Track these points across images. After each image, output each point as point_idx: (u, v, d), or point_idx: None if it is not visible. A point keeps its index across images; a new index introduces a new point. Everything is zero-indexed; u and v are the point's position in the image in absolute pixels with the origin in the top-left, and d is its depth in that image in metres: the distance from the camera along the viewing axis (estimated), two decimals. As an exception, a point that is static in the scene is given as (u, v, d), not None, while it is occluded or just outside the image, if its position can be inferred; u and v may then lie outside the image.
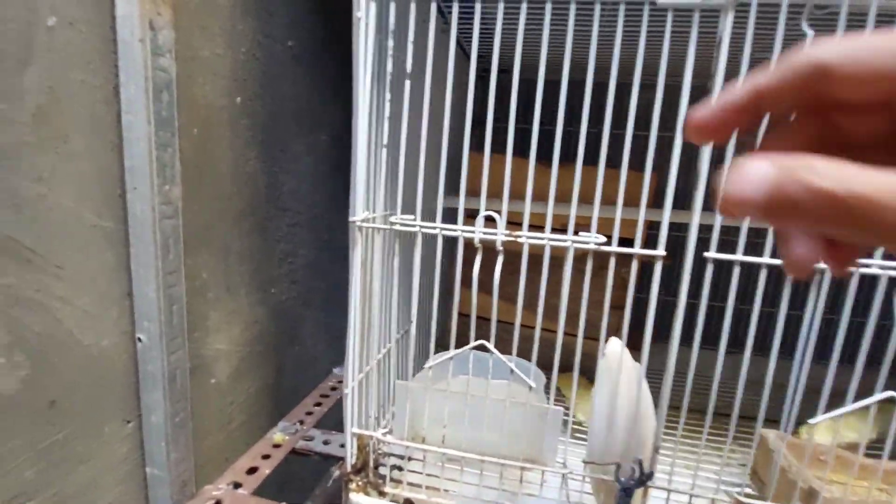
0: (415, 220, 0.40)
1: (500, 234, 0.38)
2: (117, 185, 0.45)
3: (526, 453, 0.42)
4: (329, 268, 0.90)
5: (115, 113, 0.44)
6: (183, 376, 0.50)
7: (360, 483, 0.46)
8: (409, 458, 0.48)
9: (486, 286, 0.49)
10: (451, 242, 0.46)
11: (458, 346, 0.51)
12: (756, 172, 0.16)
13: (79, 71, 0.40)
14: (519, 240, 0.37)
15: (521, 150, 0.44)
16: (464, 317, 0.48)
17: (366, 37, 0.39)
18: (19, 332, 0.38)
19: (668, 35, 0.40)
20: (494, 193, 0.41)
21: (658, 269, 0.38)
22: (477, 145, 0.44)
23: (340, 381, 0.79)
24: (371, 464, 0.46)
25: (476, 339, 0.46)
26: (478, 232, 0.39)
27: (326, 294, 0.89)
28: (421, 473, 0.46)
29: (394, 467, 0.46)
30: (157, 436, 0.48)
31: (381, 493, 0.46)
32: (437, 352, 0.46)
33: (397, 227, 0.41)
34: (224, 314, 0.61)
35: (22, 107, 0.37)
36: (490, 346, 0.40)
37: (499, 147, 0.45)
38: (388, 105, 0.41)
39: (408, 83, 0.40)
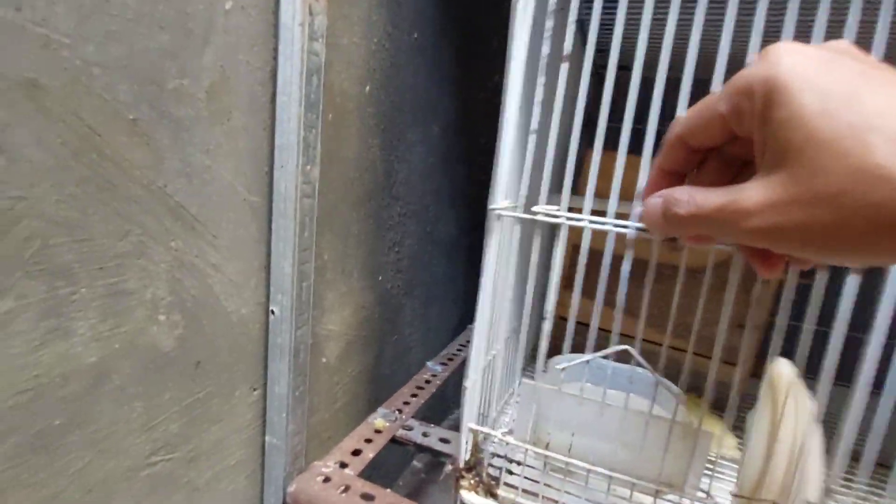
0: (559, 210, 0.38)
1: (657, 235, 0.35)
2: (265, 163, 0.47)
3: (662, 476, 0.38)
4: (430, 260, 0.91)
5: (270, 94, 0.46)
6: (305, 351, 0.51)
7: (472, 481, 0.44)
8: (520, 463, 0.46)
9: (589, 292, 0.45)
10: (549, 240, 0.44)
11: (550, 353, 0.47)
12: (653, 206, 0.27)
13: (244, 53, 0.43)
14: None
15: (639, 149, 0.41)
16: (560, 320, 0.45)
17: (523, 17, 0.37)
18: (179, 294, 0.40)
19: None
20: (607, 193, 0.38)
21: (852, 281, 0.33)
22: (590, 142, 0.41)
23: (434, 375, 0.78)
24: (484, 462, 0.44)
25: (575, 349, 0.43)
26: (631, 228, 0.36)
27: (425, 287, 0.90)
28: (538, 482, 0.44)
29: (508, 471, 0.44)
30: (279, 406, 0.50)
31: (493, 495, 0.44)
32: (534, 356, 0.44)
33: (540, 218, 0.39)
34: (338, 296, 0.63)
35: (200, 84, 0.39)
36: (636, 353, 0.37)
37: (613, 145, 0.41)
38: (541, 89, 0.39)
39: (564, 66, 0.38)
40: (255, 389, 0.50)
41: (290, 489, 0.49)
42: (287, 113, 0.45)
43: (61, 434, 0.33)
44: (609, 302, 0.41)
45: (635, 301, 0.45)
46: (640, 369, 0.41)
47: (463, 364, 0.86)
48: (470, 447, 0.44)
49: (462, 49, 0.88)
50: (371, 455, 0.56)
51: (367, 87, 0.63)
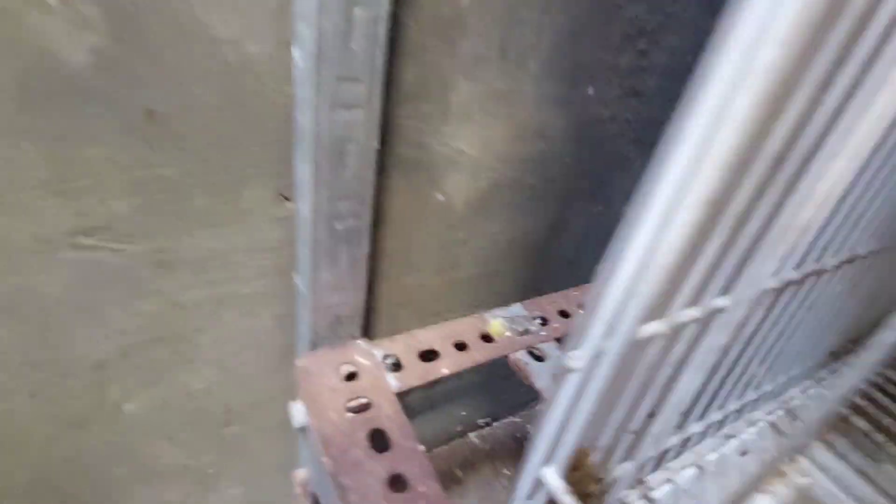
0: None
1: None
2: None
3: None
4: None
5: None
6: (361, 155, 0.27)
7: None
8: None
9: None
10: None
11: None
12: None
13: None
14: None
15: None
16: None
17: None
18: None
19: None
20: None
21: None
22: None
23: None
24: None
25: None
26: None
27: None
28: None
29: None
30: (304, 236, 0.29)
31: None
32: None
33: None
34: (486, 92, 0.35)
35: None
36: None
37: None
38: None
39: None
40: (286, 199, 0.31)
41: (300, 363, 0.31)
42: None
43: None
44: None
45: None
46: None
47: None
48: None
49: None
50: (446, 370, 0.33)
51: None
